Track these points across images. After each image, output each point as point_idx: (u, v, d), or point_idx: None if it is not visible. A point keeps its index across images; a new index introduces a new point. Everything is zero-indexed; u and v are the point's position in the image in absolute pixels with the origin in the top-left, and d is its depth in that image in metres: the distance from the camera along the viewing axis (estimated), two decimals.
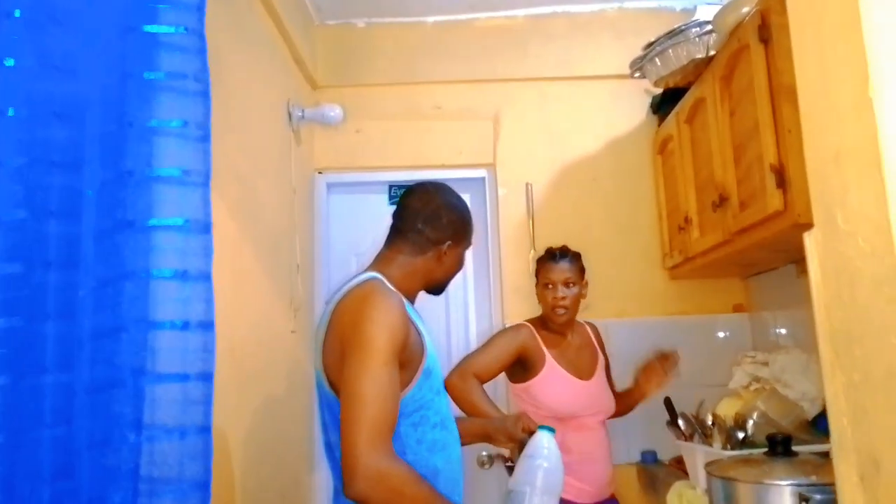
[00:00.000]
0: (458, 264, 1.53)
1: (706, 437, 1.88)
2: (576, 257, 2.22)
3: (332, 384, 1.28)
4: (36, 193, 0.80)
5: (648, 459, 2.55)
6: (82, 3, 0.87)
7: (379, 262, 1.47)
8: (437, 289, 1.53)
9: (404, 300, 1.34)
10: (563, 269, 2.16)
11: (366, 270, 1.43)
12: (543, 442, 1.43)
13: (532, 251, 2.77)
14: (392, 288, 1.35)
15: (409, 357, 1.28)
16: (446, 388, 1.55)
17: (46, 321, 0.79)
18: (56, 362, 0.79)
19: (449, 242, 1.47)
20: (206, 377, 0.80)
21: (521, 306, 2.74)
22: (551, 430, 1.46)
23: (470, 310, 2.92)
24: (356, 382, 1.16)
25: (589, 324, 2.32)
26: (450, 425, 1.39)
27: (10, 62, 0.80)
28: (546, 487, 1.36)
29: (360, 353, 1.18)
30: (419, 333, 1.34)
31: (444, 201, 1.51)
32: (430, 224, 1.46)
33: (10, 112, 0.80)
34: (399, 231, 1.48)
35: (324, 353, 1.30)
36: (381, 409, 1.15)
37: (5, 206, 0.79)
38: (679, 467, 2.21)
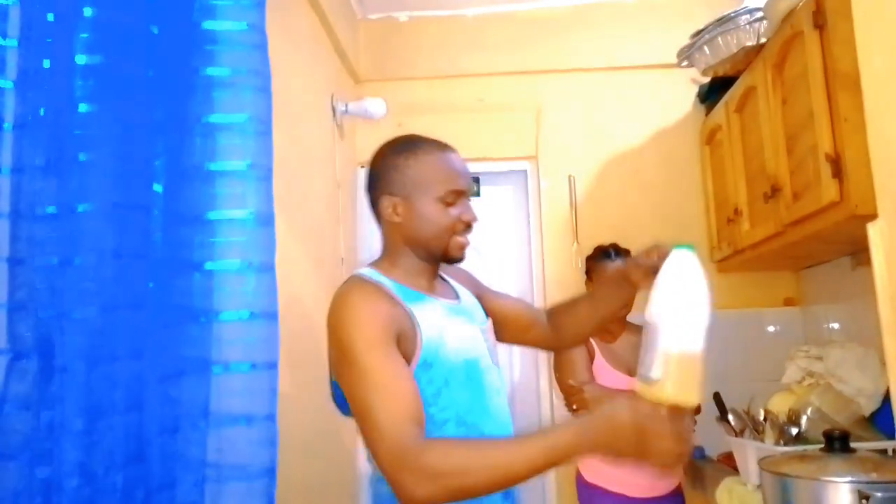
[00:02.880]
0: (430, 215, 1.23)
1: (758, 433, 1.85)
2: (628, 254, 2.21)
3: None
4: (106, 187, 0.83)
5: (696, 455, 2.51)
6: (145, 3, 0.89)
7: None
8: (435, 254, 1.26)
9: (391, 285, 1.18)
10: (618, 267, 2.15)
11: None
12: (679, 261, 1.16)
13: (575, 244, 2.75)
14: (371, 279, 1.19)
15: (399, 348, 1.12)
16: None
17: (118, 311, 0.82)
18: (127, 351, 0.82)
19: (387, 197, 1.23)
20: (272, 366, 0.82)
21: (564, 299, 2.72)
22: (690, 246, 1.19)
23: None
24: (353, 395, 1.06)
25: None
26: (472, 419, 1.18)
27: (81, 59, 0.83)
28: (686, 313, 1.10)
29: (345, 363, 1.07)
30: (412, 322, 1.15)
31: (375, 157, 1.29)
32: (368, 190, 1.27)
33: (83, 108, 0.83)
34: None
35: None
36: (388, 405, 1.02)
37: (78, 199, 0.82)
38: (728, 463, 2.17)
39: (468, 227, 1.26)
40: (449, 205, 1.23)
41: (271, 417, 0.81)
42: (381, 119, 2.66)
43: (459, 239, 1.25)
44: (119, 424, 0.80)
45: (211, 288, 0.82)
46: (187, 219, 0.83)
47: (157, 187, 0.86)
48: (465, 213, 1.25)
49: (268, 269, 0.84)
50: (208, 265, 0.82)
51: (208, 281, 0.82)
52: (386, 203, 1.22)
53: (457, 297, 1.32)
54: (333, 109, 2.52)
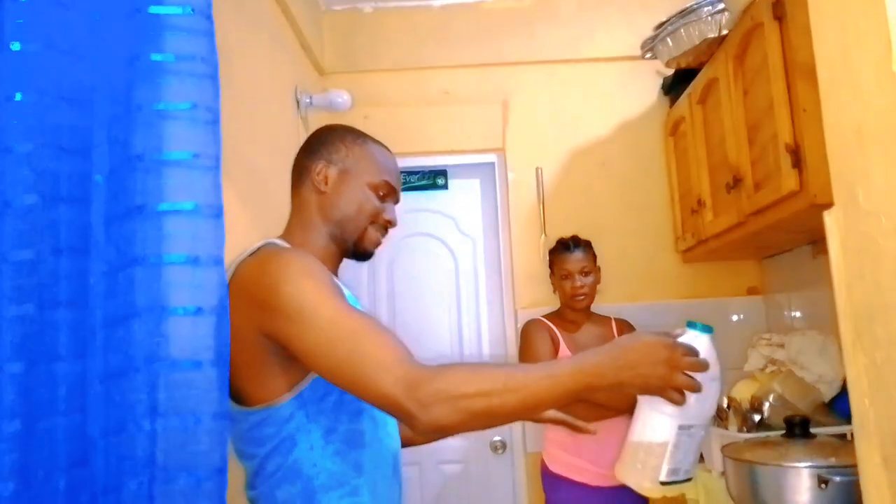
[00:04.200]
0: (358, 196, 1.19)
1: (721, 420, 1.87)
2: (588, 245, 2.31)
3: (233, 391, 1.02)
4: (45, 179, 0.79)
5: None
6: None
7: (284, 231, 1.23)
8: (350, 238, 1.20)
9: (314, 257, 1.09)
10: (578, 258, 2.25)
11: None
12: (703, 348, 0.97)
13: (543, 236, 2.75)
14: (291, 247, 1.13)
15: None
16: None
17: (58, 308, 0.78)
18: (69, 350, 0.79)
19: (322, 162, 1.20)
20: (221, 363, 0.79)
21: (534, 291, 2.74)
22: (709, 328, 1.00)
23: (481, 296, 2.91)
24: (327, 349, 0.93)
25: (621, 321, 2.35)
26: (381, 417, 1.10)
27: (16, 46, 0.80)
28: (711, 410, 1.00)
29: (302, 321, 0.94)
30: (343, 294, 1.06)
31: (324, 128, 1.29)
32: (299, 156, 1.25)
33: (18, 97, 0.79)
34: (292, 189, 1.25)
35: None
36: (382, 341, 0.94)
37: (14, 191, 0.78)
38: None
39: (387, 225, 1.25)
40: (378, 195, 1.22)
41: (221, 415, 0.78)
42: (346, 111, 2.63)
43: (376, 233, 1.23)
44: (60, 426, 0.77)
45: (156, 283, 0.79)
46: (130, 211, 0.80)
47: (98, 178, 0.83)
48: (389, 213, 1.25)
49: (216, 262, 0.82)
50: (153, 259, 0.79)
51: (153, 275, 0.79)
52: (320, 167, 1.19)
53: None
54: (297, 102, 2.48)
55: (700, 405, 0.96)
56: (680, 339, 0.97)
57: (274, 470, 1.03)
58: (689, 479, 1.01)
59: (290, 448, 1.03)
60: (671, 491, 1.02)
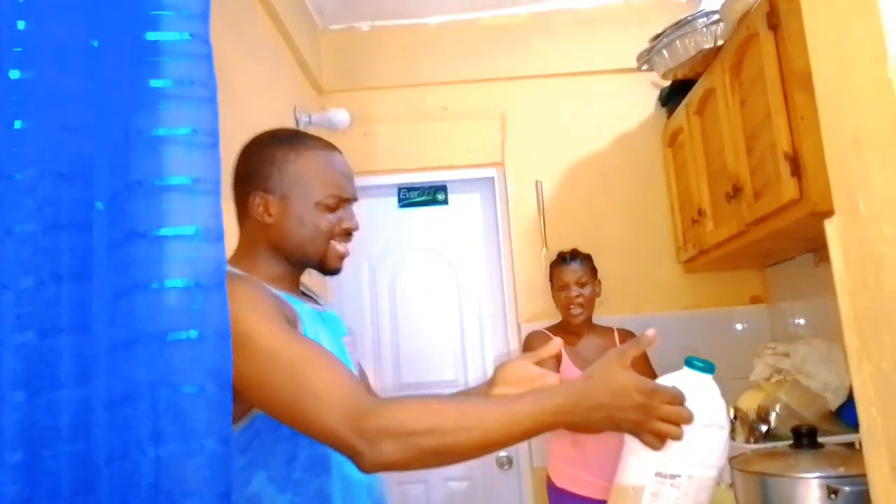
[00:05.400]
0: (307, 219, 1.11)
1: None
2: (586, 258, 2.34)
3: None
4: (45, 206, 0.80)
5: None
6: (83, 13, 0.87)
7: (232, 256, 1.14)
8: (313, 260, 1.14)
9: (264, 284, 1.04)
10: (574, 269, 2.29)
11: None
12: (698, 389, 0.88)
13: (544, 249, 2.76)
14: (237, 273, 1.06)
15: None
16: None
17: (60, 335, 0.78)
18: (71, 377, 0.78)
19: (259, 194, 1.10)
20: (224, 388, 0.79)
21: (536, 305, 2.73)
22: (709, 367, 0.90)
23: (483, 311, 2.91)
24: (268, 381, 0.88)
25: (623, 331, 2.35)
26: None
27: (14, 74, 0.80)
28: (710, 461, 0.87)
29: (244, 352, 0.88)
30: (294, 315, 1.03)
31: (249, 146, 1.16)
32: (234, 185, 1.14)
33: (17, 124, 0.80)
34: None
35: None
36: (324, 373, 0.88)
37: (15, 219, 0.78)
38: None
39: (348, 234, 1.16)
40: (330, 210, 1.12)
41: (225, 440, 0.78)
42: (345, 129, 2.64)
43: (338, 247, 1.14)
44: (64, 454, 0.77)
45: (158, 308, 0.79)
46: (131, 237, 0.80)
47: (99, 205, 0.83)
48: (347, 219, 1.15)
49: (217, 287, 0.82)
50: (154, 284, 0.79)
51: (155, 301, 0.79)
52: (258, 201, 1.10)
53: (318, 304, 1.20)
54: (296, 121, 2.49)
55: (687, 453, 0.85)
56: (669, 381, 0.88)
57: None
58: None
59: (248, 479, 0.96)
60: None
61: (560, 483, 2.18)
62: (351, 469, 0.94)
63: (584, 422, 0.86)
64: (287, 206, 1.10)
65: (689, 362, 0.90)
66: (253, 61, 2.09)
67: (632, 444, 0.88)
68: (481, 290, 2.92)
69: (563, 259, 2.34)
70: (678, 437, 0.83)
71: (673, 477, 0.85)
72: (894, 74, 0.77)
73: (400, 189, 2.94)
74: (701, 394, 0.87)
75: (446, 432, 0.84)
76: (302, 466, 0.99)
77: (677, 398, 0.85)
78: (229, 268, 1.02)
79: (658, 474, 0.85)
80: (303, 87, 2.70)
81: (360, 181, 2.93)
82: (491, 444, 0.86)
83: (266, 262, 1.12)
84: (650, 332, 0.97)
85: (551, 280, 2.39)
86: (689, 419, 0.83)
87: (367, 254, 2.85)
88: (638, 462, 0.87)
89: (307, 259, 1.14)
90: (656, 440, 0.84)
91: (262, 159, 1.12)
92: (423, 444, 0.84)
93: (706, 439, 0.85)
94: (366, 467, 0.85)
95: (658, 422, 0.83)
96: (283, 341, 0.91)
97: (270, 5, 2.22)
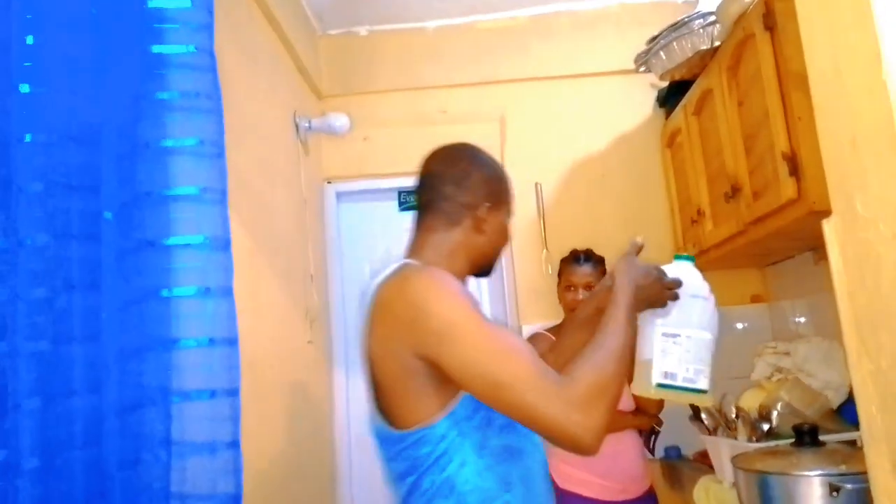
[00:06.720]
0: (504, 233, 1.26)
1: (730, 431, 1.87)
2: (599, 261, 2.27)
3: (384, 414, 1.08)
4: (56, 217, 0.81)
5: (672, 455, 2.53)
6: (90, 28, 0.88)
7: (410, 250, 1.21)
8: (485, 268, 1.26)
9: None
10: (584, 272, 2.22)
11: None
12: (684, 272, 1.19)
13: (544, 251, 2.76)
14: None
15: None
16: None
17: (73, 343, 0.80)
18: (84, 384, 0.80)
19: (487, 204, 1.20)
20: (233, 392, 0.80)
21: (536, 306, 2.74)
22: (690, 258, 1.24)
23: (485, 312, 2.91)
24: (475, 367, 0.97)
25: None
26: (526, 429, 1.09)
27: (24, 88, 0.81)
28: (700, 324, 1.16)
29: (452, 337, 0.98)
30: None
31: (473, 157, 1.25)
32: (460, 186, 1.21)
33: (28, 138, 0.81)
34: (426, 205, 1.22)
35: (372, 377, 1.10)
36: (528, 362, 0.98)
37: (27, 230, 0.80)
38: (704, 462, 2.19)
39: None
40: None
41: (235, 444, 0.79)
42: (345, 134, 2.66)
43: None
44: (78, 460, 0.78)
45: (168, 316, 0.80)
46: (140, 246, 0.81)
47: (108, 215, 0.84)
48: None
49: (225, 293, 0.83)
50: (164, 292, 0.81)
51: (165, 309, 0.80)
52: (484, 211, 1.20)
53: None
54: (297, 126, 2.50)
55: (681, 315, 1.15)
56: (664, 268, 1.19)
57: (428, 487, 1.05)
58: (697, 392, 1.14)
59: (445, 465, 1.05)
60: (676, 397, 1.15)
61: (564, 485, 2.17)
62: (531, 458, 1.14)
63: (641, 302, 1.13)
64: (496, 218, 1.23)
65: (677, 257, 1.24)
66: (252, 67, 2.10)
67: (644, 318, 1.17)
68: (482, 292, 2.93)
69: (575, 258, 2.27)
70: (675, 298, 1.15)
71: (674, 336, 1.14)
72: (889, 76, 0.78)
73: (400, 192, 2.95)
74: (686, 275, 1.18)
75: (605, 374, 1.01)
76: (490, 454, 1.08)
77: (676, 278, 1.17)
78: (417, 262, 1.15)
79: (664, 335, 1.14)
80: (302, 92, 2.71)
81: (359, 185, 2.99)
82: (622, 361, 1.05)
83: (460, 267, 1.21)
84: (638, 238, 1.31)
85: (559, 276, 2.32)
86: (678, 285, 1.16)
87: (368, 258, 2.87)
88: (649, 329, 1.16)
89: (488, 264, 1.27)
90: (663, 303, 1.14)
91: (488, 174, 1.24)
92: (607, 394, 1.00)
93: (694, 306, 1.16)
94: (584, 448, 0.96)
95: (665, 289, 1.14)
96: (491, 331, 1.02)
97: (269, 11, 2.24)
